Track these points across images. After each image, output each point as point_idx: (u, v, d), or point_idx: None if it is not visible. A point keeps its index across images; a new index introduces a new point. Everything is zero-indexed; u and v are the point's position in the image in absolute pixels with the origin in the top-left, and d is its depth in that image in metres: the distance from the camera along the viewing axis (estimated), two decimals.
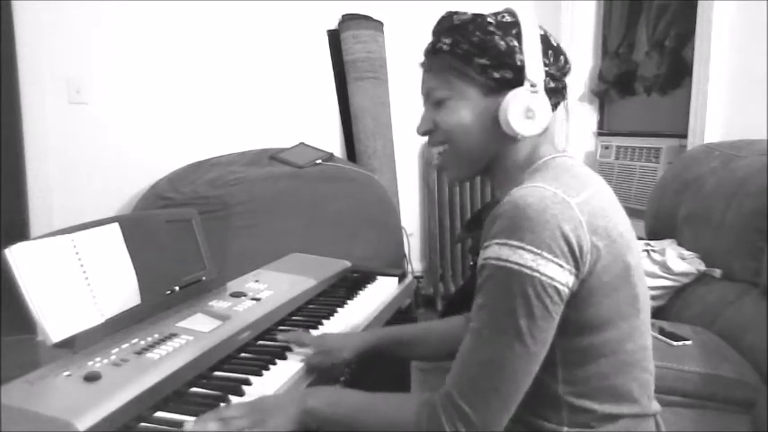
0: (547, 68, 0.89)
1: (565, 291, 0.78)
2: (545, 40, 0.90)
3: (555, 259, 0.76)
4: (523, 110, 0.87)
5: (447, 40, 0.90)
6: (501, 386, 0.78)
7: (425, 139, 0.97)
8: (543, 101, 0.88)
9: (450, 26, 0.91)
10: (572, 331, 0.83)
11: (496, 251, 0.78)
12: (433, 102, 0.93)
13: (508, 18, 0.90)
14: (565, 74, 0.93)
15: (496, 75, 0.88)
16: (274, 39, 3.03)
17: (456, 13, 0.92)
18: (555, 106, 0.93)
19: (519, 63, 0.87)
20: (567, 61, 0.93)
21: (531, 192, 0.79)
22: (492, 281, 0.79)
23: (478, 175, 0.97)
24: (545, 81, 0.88)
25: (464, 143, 0.92)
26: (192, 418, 0.87)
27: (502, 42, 0.87)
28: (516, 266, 0.76)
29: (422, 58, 0.95)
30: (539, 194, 0.79)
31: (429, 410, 0.81)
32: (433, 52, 0.93)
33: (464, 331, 0.83)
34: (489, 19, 0.89)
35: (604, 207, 0.84)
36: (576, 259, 0.78)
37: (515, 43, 0.87)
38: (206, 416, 0.86)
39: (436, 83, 0.92)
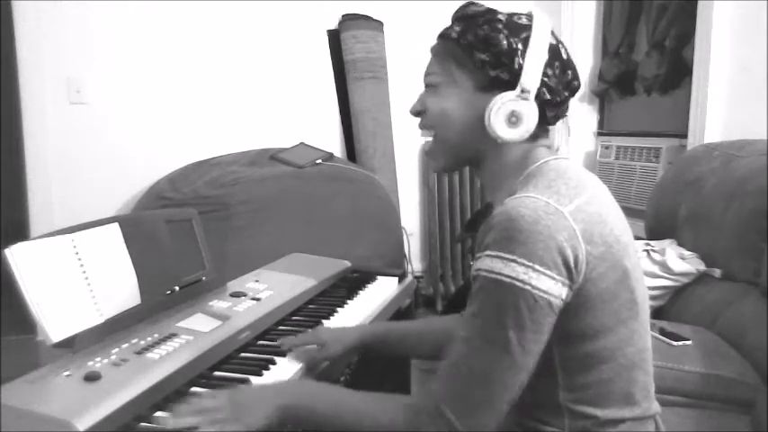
0: (546, 79, 0.87)
1: (558, 303, 0.78)
2: (554, 50, 0.88)
3: (547, 272, 0.76)
4: (507, 114, 0.86)
5: (457, 28, 0.90)
6: (488, 396, 0.78)
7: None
8: (531, 109, 0.86)
9: (463, 15, 0.91)
10: (571, 339, 0.82)
11: (488, 263, 0.78)
12: (429, 85, 0.94)
13: (524, 21, 0.88)
14: (570, 89, 0.90)
15: (492, 73, 0.87)
16: (274, 39, 3.03)
17: (474, 3, 0.91)
18: (553, 119, 0.91)
19: (517, 66, 0.86)
20: (575, 78, 0.90)
21: (523, 202, 0.79)
22: (483, 292, 0.79)
23: (462, 167, 0.98)
24: (541, 91, 0.86)
25: (447, 132, 0.92)
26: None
27: (505, 42, 0.85)
28: (508, 279, 0.76)
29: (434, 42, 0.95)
30: (531, 205, 0.78)
31: (413, 417, 0.80)
32: (442, 36, 0.93)
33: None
34: (501, 16, 0.88)
35: (600, 212, 0.82)
36: (569, 270, 0.77)
37: (520, 46, 0.86)
38: (183, 408, 0.85)
39: (437, 67, 0.92)
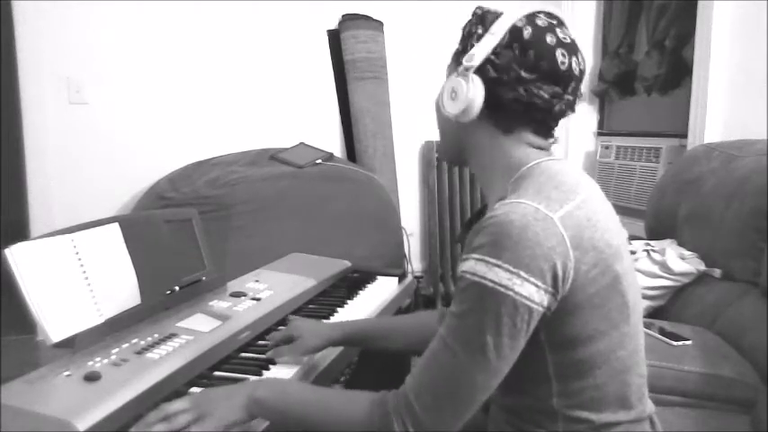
0: (494, 57, 0.85)
1: (539, 310, 0.77)
2: (516, 31, 0.85)
3: (531, 278, 0.76)
4: (449, 91, 0.89)
5: None
6: (457, 396, 0.78)
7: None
8: (470, 85, 0.86)
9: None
10: (564, 345, 0.82)
11: (473, 266, 0.78)
12: None
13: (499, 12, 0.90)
14: (539, 71, 0.85)
15: (460, 60, 0.89)
16: (274, 39, 3.03)
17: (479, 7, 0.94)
18: (518, 102, 0.86)
19: (469, 48, 0.88)
20: (542, 58, 0.85)
21: (513, 208, 0.79)
22: (465, 294, 0.79)
23: (455, 159, 1.01)
24: (485, 68, 0.86)
25: (437, 120, 0.98)
26: None
27: (468, 28, 0.90)
28: (491, 284, 0.76)
29: None
30: (521, 211, 0.78)
31: (381, 409, 0.80)
32: None
33: (435, 324, 0.83)
34: (478, 10, 0.91)
35: (591, 216, 0.82)
36: (555, 279, 0.77)
37: (479, 31, 0.88)
38: (149, 416, 0.84)
39: None
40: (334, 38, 3.09)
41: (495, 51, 0.86)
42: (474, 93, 0.86)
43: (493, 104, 0.87)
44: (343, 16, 3.07)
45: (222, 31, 2.93)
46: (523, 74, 0.86)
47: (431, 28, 3.10)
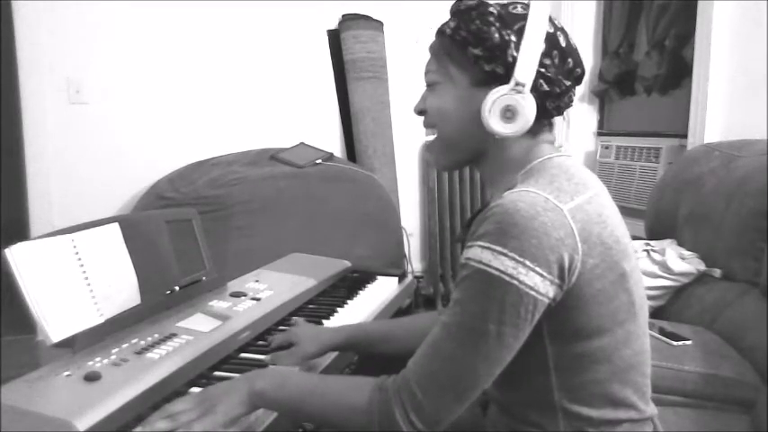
0: (543, 69, 0.84)
1: (543, 301, 0.77)
2: (552, 38, 0.85)
3: (537, 268, 0.75)
4: (501, 109, 0.84)
5: (451, 24, 0.89)
6: (459, 383, 0.78)
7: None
8: (527, 102, 0.83)
9: (456, 10, 0.89)
10: (566, 338, 0.82)
11: (478, 253, 0.77)
12: (427, 83, 0.93)
13: (519, 10, 0.85)
14: (573, 77, 0.89)
15: (487, 67, 0.85)
16: (274, 39, 3.03)
17: None
18: (555, 110, 0.89)
19: (510, 59, 0.83)
20: (577, 65, 0.88)
21: (522, 197, 0.78)
22: (469, 281, 0.78)
23: (462, 166, 0.97)
24: (538, 83, 0.84)
25: (446, 129, 0.92)
26: None
27: (497, 35, 0.83)
28: (496, 272, 0.75)
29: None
30: (530, 200, 0.77)
31: (382, 395, 0.80)
32: (438, 33, 0.92)
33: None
34: (492, 8, 0.85)
35: (601, 212, 0.81)
36: (561, 269, 0.76)
37: (513, 38, 0.83)
38: (153, 416, 0.84)
39: (434, 65, 0.92)
40: (334, 38, 3.09)
41: (541, 62, 0.84)
42: (532, 111, 0.84)
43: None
44: (343, 16, 3.07)
45: (222, 31, 2.93)
46: (567, 83, 0.87)
47: (431, 28, 3.10)
